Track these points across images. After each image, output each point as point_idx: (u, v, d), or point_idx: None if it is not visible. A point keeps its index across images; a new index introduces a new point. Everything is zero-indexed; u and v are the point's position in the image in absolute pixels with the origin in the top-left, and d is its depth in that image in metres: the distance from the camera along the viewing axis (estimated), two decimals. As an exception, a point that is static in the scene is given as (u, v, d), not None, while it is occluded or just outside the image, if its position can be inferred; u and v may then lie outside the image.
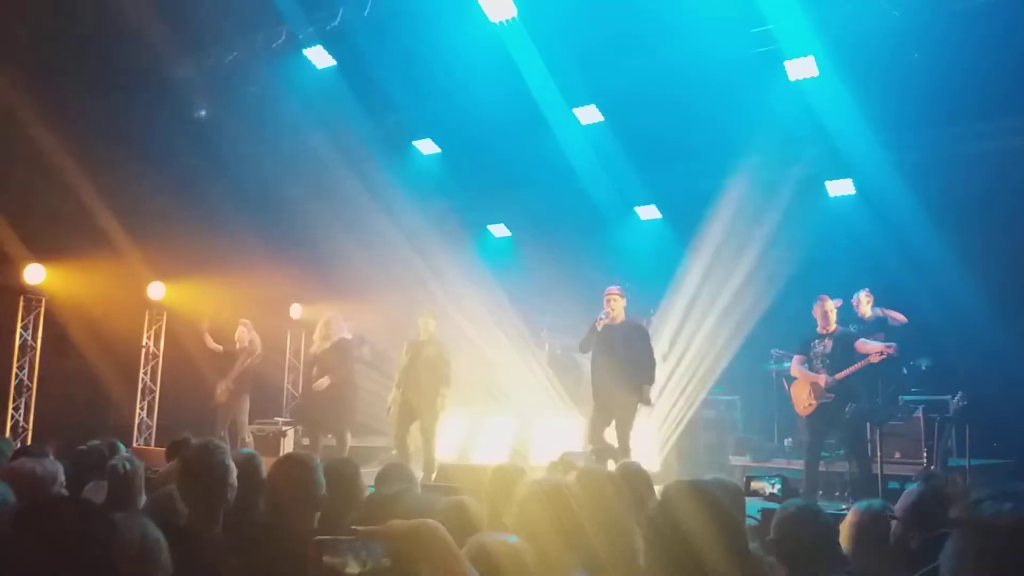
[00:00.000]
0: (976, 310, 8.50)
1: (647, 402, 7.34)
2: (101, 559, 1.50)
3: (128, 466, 3.81)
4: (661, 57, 9.25)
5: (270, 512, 2.89)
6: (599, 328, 7.26)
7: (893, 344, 7.01)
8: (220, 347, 9.65)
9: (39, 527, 1.50)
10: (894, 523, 2.37)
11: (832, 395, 6.99)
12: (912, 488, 2.42)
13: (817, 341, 7.28)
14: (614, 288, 7.37)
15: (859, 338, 7.27)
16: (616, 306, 7.28)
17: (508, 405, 10.15)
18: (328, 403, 8.61)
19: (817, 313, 7.31)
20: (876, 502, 2.94)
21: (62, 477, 3.64)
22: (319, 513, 2.94)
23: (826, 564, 2.80)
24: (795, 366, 7.42)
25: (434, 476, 7.13)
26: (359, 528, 1.46)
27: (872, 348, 6.96)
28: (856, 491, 7.03)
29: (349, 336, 9.17)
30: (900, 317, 8.06)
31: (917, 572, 2.13)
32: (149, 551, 2.04)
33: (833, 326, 7.27)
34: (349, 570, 1.44)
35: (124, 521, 2.16)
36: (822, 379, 7.06)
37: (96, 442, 5.09)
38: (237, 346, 9.51)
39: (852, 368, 6.94)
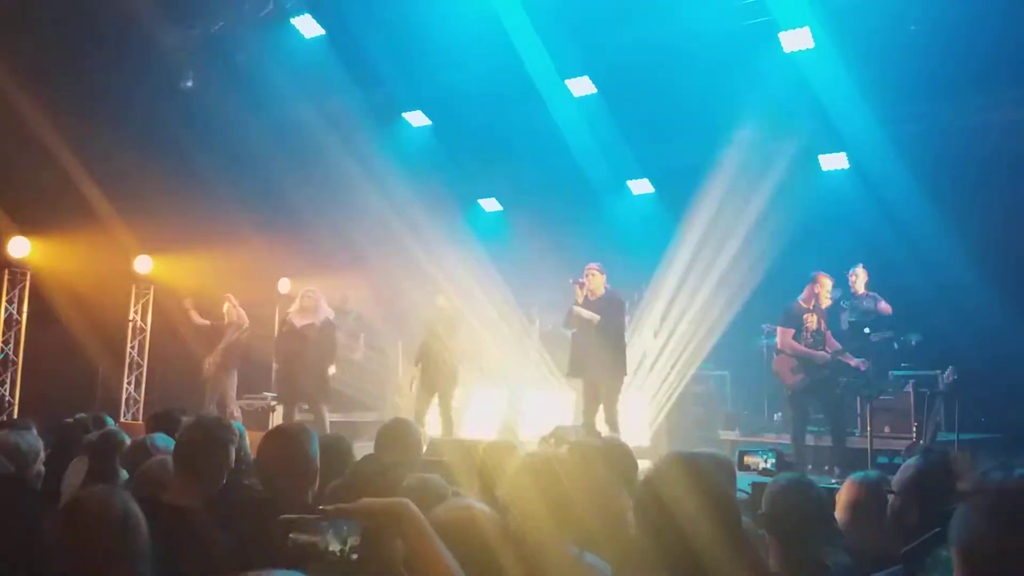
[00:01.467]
0: (967, 285, 8.49)
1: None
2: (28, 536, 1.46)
3: (107, 440, 3.75)
4: (655, 28, 9.13)
5: (263, 486, 2.81)
6: (579, 302, 7.31)
7: (867, 362, 7.17)
8: (207, 322, 9.59)
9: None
10: (891, 497, 2.34)
11: (828, 370, 7.01)
12: (910, 463, 2.38)
13: (808, 315, 7.31)
14: (594, 265, 7.47)
15: (842, 317, 7.39)
16: (594, 281, 7.35)
17: (498, 379, 10.13)
18: (309, 376, 8.60)
19: (815, 290, 7.33)
20: (872, 473, 2.90)
21: (43, 453, 3.58)
22: (314, 487, 2.88)
23: (819, 537, 2.77)
24: (786, 339, 7.41)
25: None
26: (328, 507, 1.43)
27: (851, 361, 7.17)
28: (842, 465, 7.06)
29: (332, 316, 9.12)
30: (887, 308, 8.03)
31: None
32: (127, 526, 2.00)
33: (826, 301, 7.34)
34: (331, 548, 1.39)
35: (102, 494, 2.12)
36: (820, 355, 7.11)
37: (83, 415, 5.04)
38: (225, 320, 9.45)
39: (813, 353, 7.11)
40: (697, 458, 1.89)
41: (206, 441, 2.86)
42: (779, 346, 7.55)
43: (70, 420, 4.94)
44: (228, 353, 9.33)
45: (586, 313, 7.22)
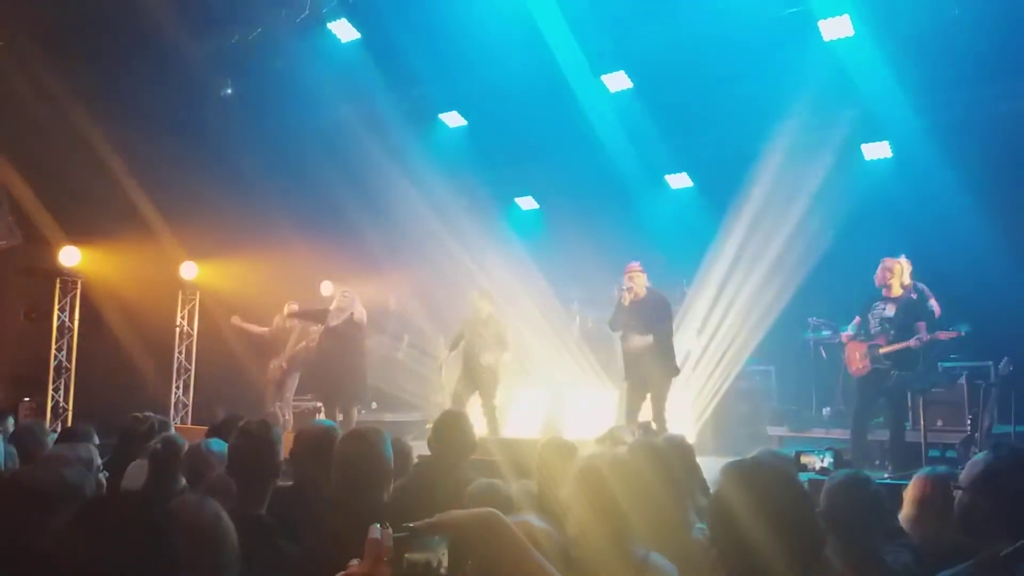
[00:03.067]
0: (1015, 275, 8.31)
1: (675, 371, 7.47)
2: (160, 550, 1.46)
3: (168, 446, 3.81)
4: (691, 19, 9.02)
5: (339, 488, 2.81)
6: (625, 304, 7.27)
7: (962, 331, 6.87)
8: (265, 329, 9.71)
9: (93, 529, 1.45)
10: (958, 493, 2.29)
11: (889, 361, 6.85)
12: (978, 458, 2.34)
13: (880, 303, 7.08)
14: (634, 264, 7.40)
15: (923, 309, 7.11)
16: (638, 281, 7.30)
17: (540, 378, 10.13)
18: (342, 376, 8.69)
19: (882, 276, 7.08)
20: (940, 468, 2.85)
21: (99, 461, 3.64)
22: (389, 489, 2.89)
23: (878, 534, 2.73)
24: (849, 330, 7.29)
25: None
26: (419, 524, 1.35)
27: (943, 335, 6.81)
28: (895, 460, 6.93)
29: (364, 316, 9.18)
30: (937, 309, 7.81)
31: (988, 546, 2.06)
32: (221, 537, 2.00)
33: (899, 290, 7.04)
34: (442, 566, 1.33)
35: (195, 505, 2.13)
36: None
37: (150, 414, 5.07)
38: (287, 324, 9.56)
39: (904, 344, 6.76)
40: (761, 470, 1.84)
41: (258, 447, 2.89)
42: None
43: (138, 415, 4.94)
44: (294, 358, 9.46)
45: (638, 341, 7.17)
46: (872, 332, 7.04)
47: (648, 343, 7.13)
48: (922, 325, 6.86)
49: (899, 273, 7.08)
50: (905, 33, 8.37)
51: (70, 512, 2.24)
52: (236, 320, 9.84)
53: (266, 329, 9.73)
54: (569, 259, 11.03)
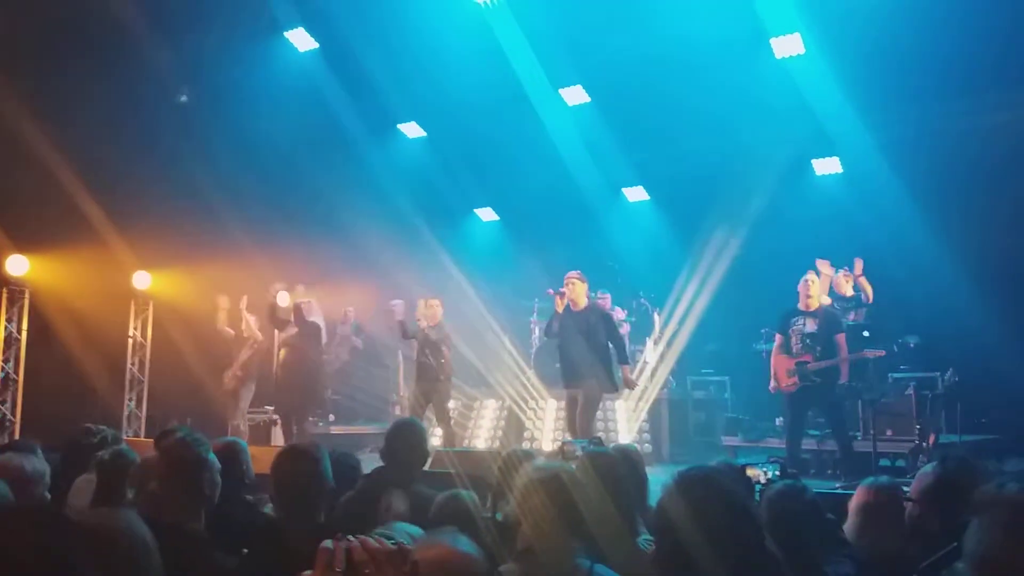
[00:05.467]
0: (963, 287, 8.54)
1: (630, 384, 7.46)
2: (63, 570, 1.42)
3: (117, 459, 3.74)
4: (647, 35, 9.16)
5: (276, 505, 2.79)
6: (559, 310, 7.20)
7: (882, 352, 7.04)
8: (232, 332, 9.61)
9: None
10: (909, 504, 2.35)
11: (819, 379, 6.92)
12: (927, 470, 2.40)
13: (799, 319, 7.12)
14: (573, 273, 7.26)
15: (842, 321, 7.23)
16: (575, 290, 7.16)
17: (497, 389, 10.14)
18: (299, 389, 8.69)
19: (800, 288, 7.16)
20: (883, 479, 2.92)
21: (48, 476, 3.57)
22: (328, 507, 2.86)
23: (816, 543, 2.78)
24: (775, 345, 7.34)
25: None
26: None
27: (870, 353, 6.98)
28: (845, 469, 7.05)
29: (321, 322, 9.14)
30: (869, 289, 7.97)
31: (934, 554, 2.12)
32: (137, 551, 1.91)
33: (816, 303, 7.10)
34: None
35: (106, 516, 2.03)
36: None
37: (102, 427, 4.93)
38: (244, 334, 9.46)
39: (832, 362, 6.87)
40: (711, 480, 1.88)
41: (192, 459, 2.82)
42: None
43: (89, 426, 4.81)
44: (246, 367, 9.35)
45: (573, 351, 7.05)
46: (795, 349, 7.05)
47: (583, 354, 7.00)
48: (841, 338, 6.97)
49: (815, 286, 7.14)
50: (854, 51, 8.58)
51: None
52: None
53: (232, 332, 9.61)
54: (528, 270, 11.07)
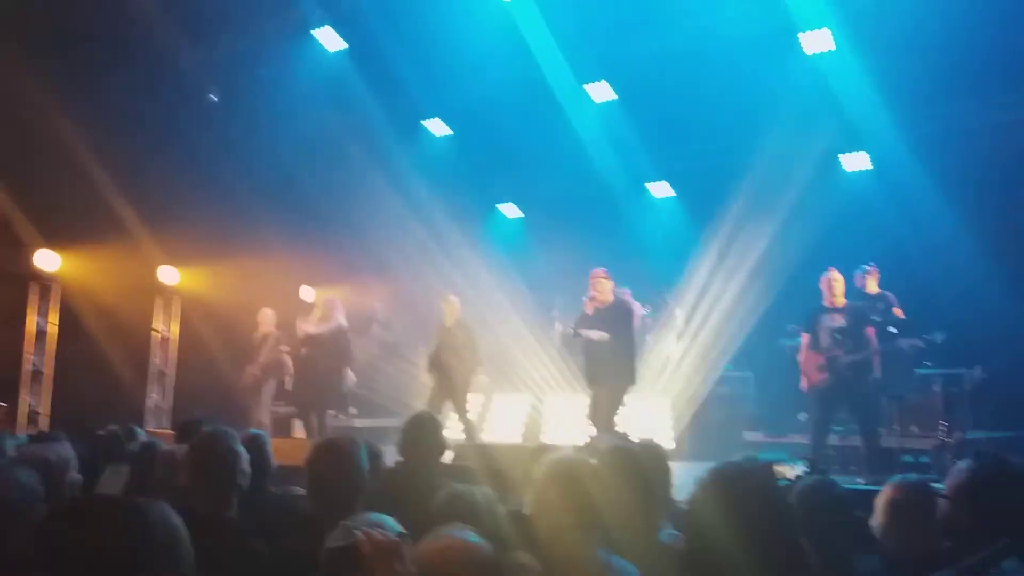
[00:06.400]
0: (990, 283, 8.42)
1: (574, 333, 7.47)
2: (137, 555, 1.45)
3: (147, 451, 3.80)
4: (674, 32, 9.13)
5: (312, 500, 2.79)
6: (589, 312, 7.22)
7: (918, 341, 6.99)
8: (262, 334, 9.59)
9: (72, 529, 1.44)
10: (941, 502, 2.31)
11: (851, 373, 6.84)
12: (962, 466, 2.35)
13: (825, 315, 7.08)
14: (599, 271, 7.30)
15: (870, 315, 7.16)
16: (601, 288, 7.20)
17: (521, 384, 10.15)
18: (320, 385, 8.76)
19: (823, 286, 7.14)
20: (911, 476, 2.88)
21: (75, 463, 3.62)
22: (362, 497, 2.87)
23: (844, 540, 2.75)
24: (804, 343, 7.27)
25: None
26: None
27: (904, 343, 6.96)
28: (870, 466, 6.97)
29: (346, 324, 9.17)
30: (901, 313, 7.88)
31: (968, 552, 2.07)
32: (171, 541, 1.96)
33: (841, 300, 7.07)
34: None
35: (147, 508, 2.09)
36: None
37: (113, 427, 5.09)
38: (262, 331, 9.50)
39: (863, 355, 6.81)
40: (750, 476, 1.86)
41: (223, 451, 2.87)
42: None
43: (101, 432, 4.97)
44: (268, 365, 9.39)
45: (595, 335, 7.09)
46: (824, 344, 7.01)
47: (606, 352, 7.04)
48: (871, 331, 6.94)
49: (839, 283, 7.10)
50: (885, 47, 8.48)
51: (32, 516, 2.21)
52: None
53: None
54: (551, 266, 11.07)
